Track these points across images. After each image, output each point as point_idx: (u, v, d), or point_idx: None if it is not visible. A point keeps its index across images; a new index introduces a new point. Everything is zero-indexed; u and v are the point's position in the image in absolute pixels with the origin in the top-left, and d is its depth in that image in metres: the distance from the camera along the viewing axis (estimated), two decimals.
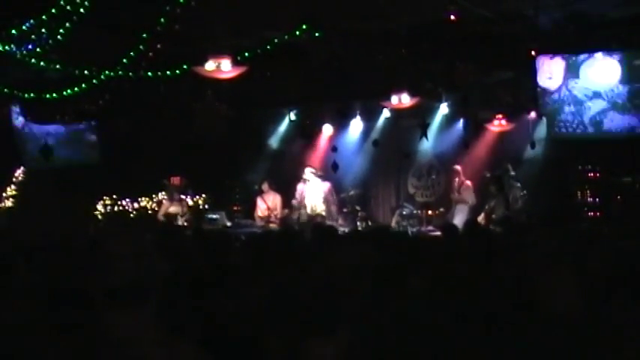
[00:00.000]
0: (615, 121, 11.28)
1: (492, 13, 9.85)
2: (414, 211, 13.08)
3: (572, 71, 11.45)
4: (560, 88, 11.56)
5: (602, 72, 11.25)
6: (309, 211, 12.02)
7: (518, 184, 11.61)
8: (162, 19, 8.77)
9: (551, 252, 4.18)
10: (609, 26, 10.52)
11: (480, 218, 11.19)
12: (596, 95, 11.38)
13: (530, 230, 6.18)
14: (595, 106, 11.39)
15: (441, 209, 12.90)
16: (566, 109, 11.67)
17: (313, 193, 12.15)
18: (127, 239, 2.31)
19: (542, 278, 2.69)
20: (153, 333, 2.18)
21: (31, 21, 8.79)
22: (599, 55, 11.21)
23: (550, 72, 11.47)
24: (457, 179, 12.32)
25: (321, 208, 12.06)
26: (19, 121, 12.99)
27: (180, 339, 2.18)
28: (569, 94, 11.58)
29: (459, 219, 11.24)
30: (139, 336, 2.15)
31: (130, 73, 10.17)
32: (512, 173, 11.66)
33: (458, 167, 12.45)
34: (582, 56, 11.36)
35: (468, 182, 12.27)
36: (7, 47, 9.17)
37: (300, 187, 12.23)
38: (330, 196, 12.18)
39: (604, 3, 9.76)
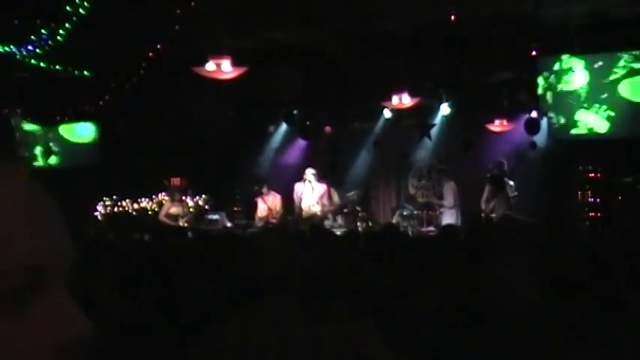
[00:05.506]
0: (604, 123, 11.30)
1: (492, 13, 9.84)
2: (415, 212, 13.06)
3: (560, 72, 11.48)
4: (551, 88, 11.59)
5: (580, 74, 11.30)
6: (305, 211, 12.00)
7: (511, 183, 11.58)
8: (162, 19, 8.77)
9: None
10: (608, 27, 10.51)
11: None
12: (585, 96, 11.39)
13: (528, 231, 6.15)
14: (584, 106, 11.41)
15: (442, 210, 12.89)
16: (562, 109, 11.68)
17: (311, 194, 12.13)
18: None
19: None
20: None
21: (32, 21, 8.80)
22: (587, 55, 11.25)
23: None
24: (443, 179, 12.37)
25: (316, 209, 12.04)
26: (18, 121, 12.98)
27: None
28: (561, 94, 11.61)
29: (445, 223, 11.20)
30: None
31: (130, 74, 10.18)
32: (505, 168, 11.62)
33: (442, 166, 12.49)
34: (570, 57, 11.38)
35: (452, 182, 12.26)
36: (7, 48, 9.17)
37: (299, 187, 12.21)
38: (325, 199, 12.12)
39: (603, 3, 9.75)
